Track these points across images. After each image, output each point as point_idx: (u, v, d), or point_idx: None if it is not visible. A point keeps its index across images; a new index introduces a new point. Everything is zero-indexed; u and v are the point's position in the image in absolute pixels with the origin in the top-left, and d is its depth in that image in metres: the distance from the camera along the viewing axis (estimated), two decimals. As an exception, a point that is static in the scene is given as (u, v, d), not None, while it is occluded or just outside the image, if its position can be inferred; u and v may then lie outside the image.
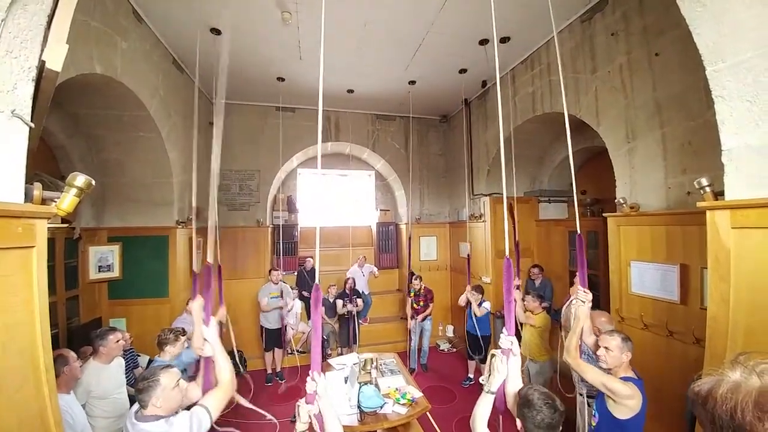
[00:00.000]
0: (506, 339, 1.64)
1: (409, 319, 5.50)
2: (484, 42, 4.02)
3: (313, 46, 4.05)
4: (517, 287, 3.96)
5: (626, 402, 1.87)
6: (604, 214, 3.35)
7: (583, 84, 3.54)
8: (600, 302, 4.54)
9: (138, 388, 1.66)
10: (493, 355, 1.65)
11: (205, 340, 1.84)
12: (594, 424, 2.09)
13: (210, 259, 2.01)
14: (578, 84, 3.61)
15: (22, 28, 1.20)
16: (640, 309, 2.91)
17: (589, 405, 2.43)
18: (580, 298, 2.12)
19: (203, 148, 4.81)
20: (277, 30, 3.70)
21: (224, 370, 1.82)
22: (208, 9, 3.26)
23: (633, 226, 3.01)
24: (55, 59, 1.33)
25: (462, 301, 4.78)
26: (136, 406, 1.68)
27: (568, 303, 2.60)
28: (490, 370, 1.63)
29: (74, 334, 3.40)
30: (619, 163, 3.20)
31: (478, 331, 4.69)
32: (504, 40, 4.00)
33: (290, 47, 4.09)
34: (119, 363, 2.64)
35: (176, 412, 1.67)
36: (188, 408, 1.72)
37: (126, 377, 2.70)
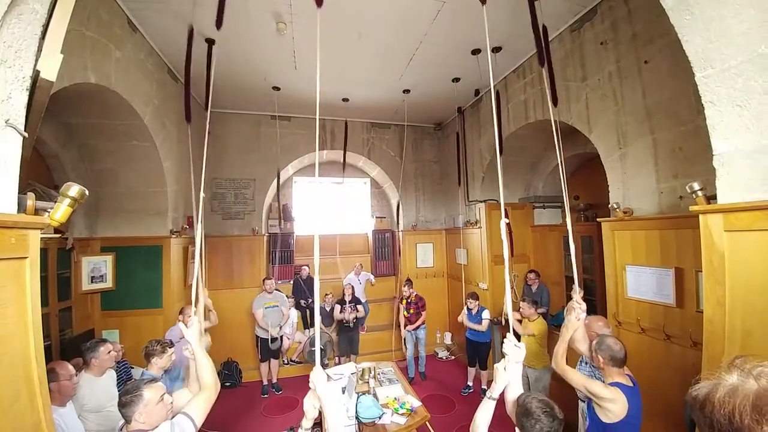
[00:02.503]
0: (509, 344, 1.66)
1: (402, 327, 5.47)
2: (476, 52, 4.08)
3: (308, 55, 4.08)
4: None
5: (608, 405, 1.90)
6: (598, 219, 3.38)
7: (574, 92, 3.60)
8: (597, 307, 4.56)
9: (121, 401, 1.61)
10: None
11: (188, 343, 1.79)
12: (585, 428, 2.12)
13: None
14: (569, 92, 3.66)
15: (17, 37, 1.20)
16: (636, 313, 2.92)
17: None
18: (575, 306, 2.19)
19: (198, 157, 4.80)
20: (272, 40, 3.73)
21: (206, 371, 1.74)
22: (203, 19, 3.27)
23: (627, 231, 3.04)
24: (50, 69, 1.33)
25: (462, 319, 4.80)
26: (122, 420, 1.65)
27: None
28: (494, 376, 1.66)
29: (67, 346, 3.33)
30: (612, 169, 3.24)
31: (477, 337, 4.68)
32: (496, 49, 4.06)
33: (285, 57, 4.12)
34: (111, 375, 2.60)
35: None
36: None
37: (119, 390, 2.65)
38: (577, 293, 2.19)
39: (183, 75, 4.40)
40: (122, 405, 1.60)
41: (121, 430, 1.64)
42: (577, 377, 2.09)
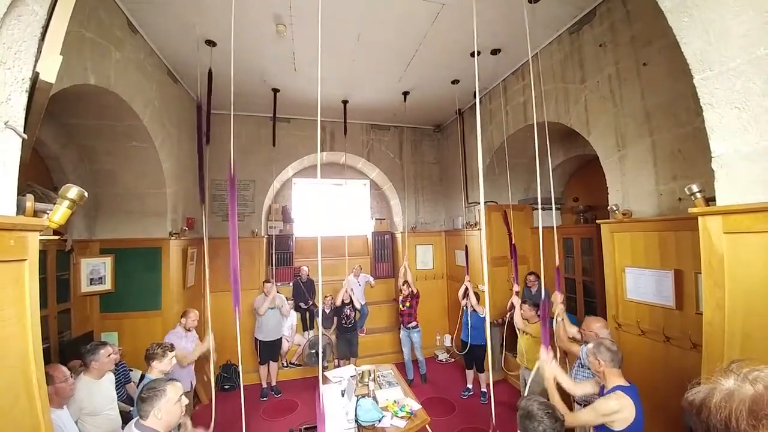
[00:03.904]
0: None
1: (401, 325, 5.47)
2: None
3: (308, 57, 4.09)
4: (516, 293, 3.97)
5: (619, 417, 1.88)
6: (597, 221, 3.39)
7: (573, 94, 3.61)
8: (596, 309, 4.56)
9: (142, 396, 1.65)
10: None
11: None
12: None
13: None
14: (568, 94, 3.67)
15: (16, 39, 1.20)
16: (636, 315, 2.92)
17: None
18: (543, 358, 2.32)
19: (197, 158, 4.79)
20: (272, 42, 3.74)
21: None
22: (203, 21, 3.28)
23: (626, 233, 3.04)
24: (49, 70, 1.32)
25: (461, 293, 4.77)
26: (135, 419, 1.66)
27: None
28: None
29: (66, 348, 3.32)
30: (611, 171, 3.24)
31: (472, 340, 4.66)
32: (495, 51, 4.07)
33: (285, 59, 4.13)
34: (110, 378, 2.58)
35: None
36: None
37: (117, 393, 2.64)
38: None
39: (182, 76, 4.43)
40: (142, 399, 1.64)
41: (136, 423, 1.65)
42: (587, 416, 2.00)
